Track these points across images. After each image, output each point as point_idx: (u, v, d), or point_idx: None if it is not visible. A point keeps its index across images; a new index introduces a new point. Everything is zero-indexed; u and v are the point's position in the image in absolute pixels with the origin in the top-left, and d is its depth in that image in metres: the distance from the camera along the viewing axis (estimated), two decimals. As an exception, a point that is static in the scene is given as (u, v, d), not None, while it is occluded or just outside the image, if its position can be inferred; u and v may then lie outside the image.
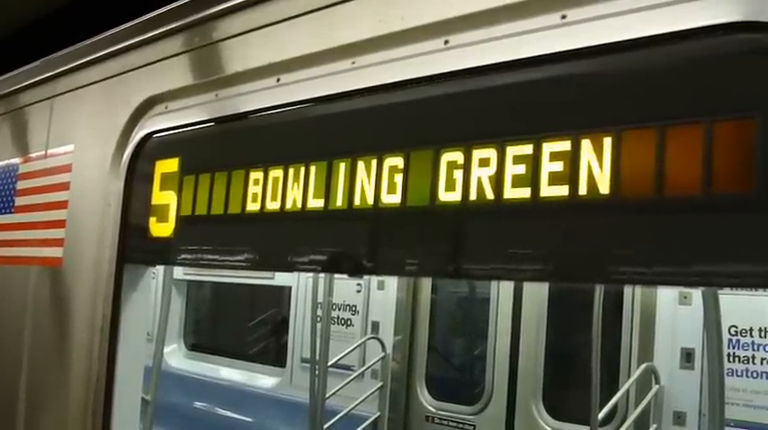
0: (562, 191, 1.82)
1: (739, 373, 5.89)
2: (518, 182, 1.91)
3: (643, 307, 6.58)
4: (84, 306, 3.41)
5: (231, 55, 2.91)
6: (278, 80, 2.66)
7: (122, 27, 3.42)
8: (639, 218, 1.72)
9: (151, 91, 3.23)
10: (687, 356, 6.20)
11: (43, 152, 3.92)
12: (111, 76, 3.51)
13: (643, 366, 6.31)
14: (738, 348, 5.92)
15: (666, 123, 1.66)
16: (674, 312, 6.32)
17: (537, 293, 7.33)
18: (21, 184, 4.08)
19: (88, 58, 3.66)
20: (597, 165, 1.76)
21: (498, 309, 7.67)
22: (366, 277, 8.15)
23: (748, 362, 5.89)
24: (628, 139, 1.72)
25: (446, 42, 2.13)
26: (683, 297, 6.21)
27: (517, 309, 7.51)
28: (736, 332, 5.93)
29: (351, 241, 2.40)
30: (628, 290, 6.59)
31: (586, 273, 1.98)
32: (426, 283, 8.21)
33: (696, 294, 5.87)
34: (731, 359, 5.89)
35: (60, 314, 3.66)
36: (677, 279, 1.90)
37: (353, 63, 2.39)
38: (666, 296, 6.33)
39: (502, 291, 7.60)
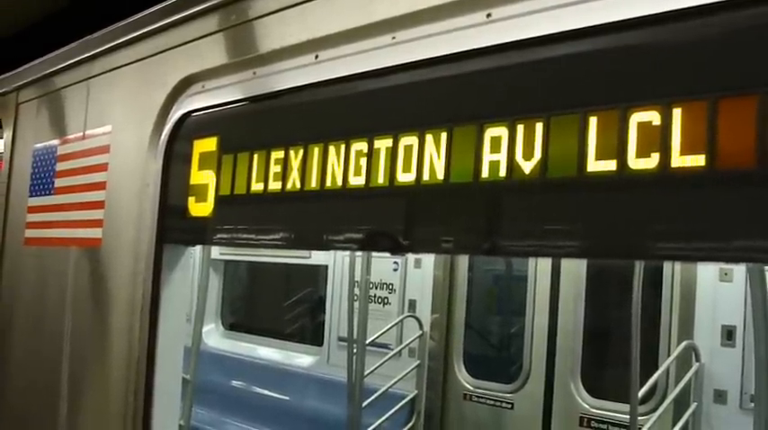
0: (609, 165, 1.78)
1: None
2: (563, 157, 1.87)
3: (683, 284, 6.50)
4: (124, 286, 3.42)
5: (268, 32, 2.88)
6: (316, 57, 2.63)
7: (158, 7, 3.41)
8: (687, 192, 1.67)
9: (188, 70, 3.21)
10: (728, 334, 6.12)
11: (81, 133, 3.93)
12: (148, 57, 3.50)
13: (683, 344, 6.24)
14: (782, 325, 5.83)
15: (719, 95, 1.61)
16: (715, 289, 6.24)
17: (575, 270, 7.28)
18: (60, 166, 4.10)
19: (124, 39, 3.65)
20: (645, 139, 1.71)
21: (536, 287, 7.63)
22: (404, 255, 8.15)
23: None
24: (676, 113, 1.67)
25: (488, 15, 2.09)
26: (723, 274, 6.13)
27: (555, 286, 7.46)
28: (779, 308, 5.84)
29: (390, 219, 2.38)
30: (668, 266, 6.52)
31: (629, 249, 1.94)
32: (463, 261, 8.18)
33: (737, 270, 5.78)
34: (774, 336, 5.80)
35: (100, 294, 3.68)
36: (721, 254, 1.84)
37: (393, 38, 2.35)
38: (707, 272, 6.24)
39: (539, 269, 7.56)
